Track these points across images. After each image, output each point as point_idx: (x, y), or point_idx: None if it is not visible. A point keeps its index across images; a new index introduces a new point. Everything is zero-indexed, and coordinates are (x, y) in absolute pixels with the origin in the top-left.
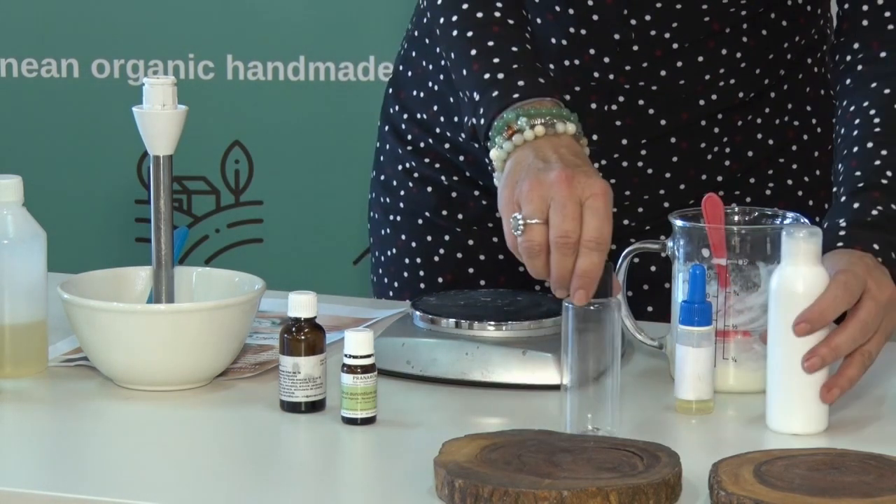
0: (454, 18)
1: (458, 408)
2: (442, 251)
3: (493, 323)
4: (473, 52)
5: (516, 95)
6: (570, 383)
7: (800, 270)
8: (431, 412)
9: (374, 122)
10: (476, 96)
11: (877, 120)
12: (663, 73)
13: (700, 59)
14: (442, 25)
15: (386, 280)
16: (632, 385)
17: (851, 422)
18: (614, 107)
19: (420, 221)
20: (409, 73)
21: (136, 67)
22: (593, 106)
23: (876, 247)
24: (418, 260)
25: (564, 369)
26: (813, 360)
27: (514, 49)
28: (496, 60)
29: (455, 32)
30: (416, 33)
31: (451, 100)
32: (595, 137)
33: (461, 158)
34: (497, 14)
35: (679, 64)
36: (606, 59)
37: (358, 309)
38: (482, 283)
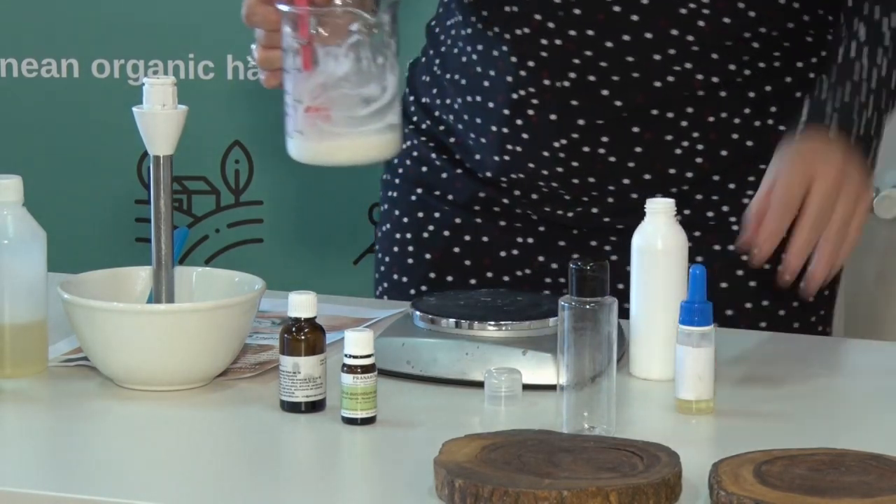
0: None
1: (458, 408)
2: (431, 227)
3: (493, 323)
4: None
5: None
6: (566, 382)
7: (659, 229)
8: (431, 412)
9: None
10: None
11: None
12: (609, 44)
13: (648, 35)
14: None
15: (379, 255)
16: (632, 384)
17: (851, 422)
18: (566, 83)
19: (413, 198)
20: (423, 59)
21: (136, 67)
22: (546, 82)
23: (828, 110)
24: (408, 235)
25: (561, 368)
26: (785, 278)
27: None
28: None
29: None
30: (432, 23)
31: (444, 83)
32: (553, 117)
33: (451, 140)
34: None
35: (626, 38)
36: (551, 25)
37: (358, 309)
38: (467, 262)
